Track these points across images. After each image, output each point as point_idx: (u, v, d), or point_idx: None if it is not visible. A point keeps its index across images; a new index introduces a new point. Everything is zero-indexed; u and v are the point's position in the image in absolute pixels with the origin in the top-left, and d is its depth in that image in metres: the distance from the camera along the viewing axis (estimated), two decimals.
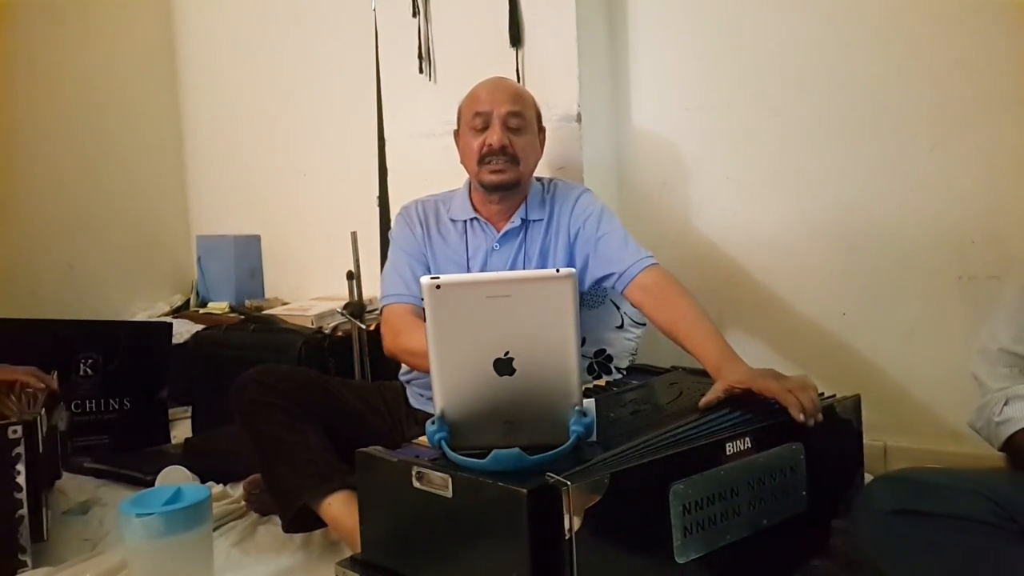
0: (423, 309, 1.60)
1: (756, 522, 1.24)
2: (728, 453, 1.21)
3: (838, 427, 1.38)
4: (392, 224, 1.83)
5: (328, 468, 1.50)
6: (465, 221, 1.75)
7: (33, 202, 3.03)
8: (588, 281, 1.73)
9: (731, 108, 2.08)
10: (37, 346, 2.17)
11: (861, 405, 1.44)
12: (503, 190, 1.69)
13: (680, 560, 1.14)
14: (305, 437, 1.53)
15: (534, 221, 1.74)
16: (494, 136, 1.64)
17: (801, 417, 1.25)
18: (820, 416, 1.27)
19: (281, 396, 1.55)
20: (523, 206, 1.74)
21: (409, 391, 1.78)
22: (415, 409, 1.75)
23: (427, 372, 1.65)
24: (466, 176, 1.78)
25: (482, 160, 1.66)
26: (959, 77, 1.78)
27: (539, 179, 1.81)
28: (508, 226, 1.73)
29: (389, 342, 1.65)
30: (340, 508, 1.47)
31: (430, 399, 1.16)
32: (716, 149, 2.12)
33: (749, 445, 1.23)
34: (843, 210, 1.95)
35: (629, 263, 1.64)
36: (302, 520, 1.54)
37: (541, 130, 1.77)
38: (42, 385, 1.77)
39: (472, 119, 1.67)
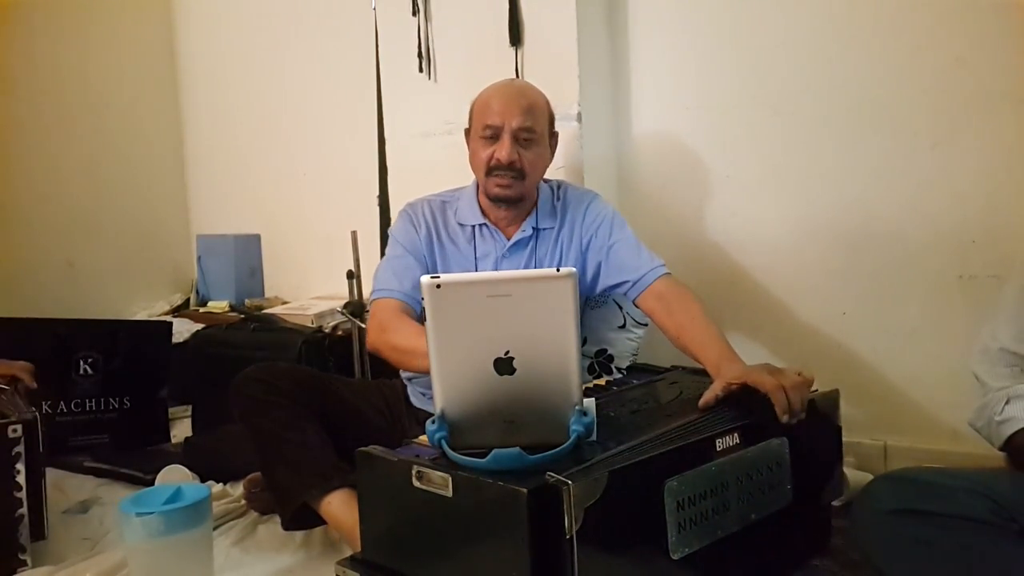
0: (412, 307, 1.63)
1: (745, 517, 1.25)
2: (718, 449, 1.23)
3: (819, 422, 1.40)
4: (395, 220, 1.81)
5: (328, 466, 1.50)
6: (474, 226, 1.74)
7: (33, 202, 3.03)
8: (600, 288, 1.73)
9: (731, 107, 2.08)
10: (37, 345, 2.17)
11: (839, 399, 1.46)
12: (507, 203, 1.69)
13: (675, 556, 1.14)
14: (305, 435, 1.53)
15: (544, 229, 1.73)
16: (503, 152, 1.62)
17: (785, 418, 1.27)
18: (803, 415, 1.29)
19: (281, 394, 1.55)
20: (533, 214, 1.73)
21: (410, 390, 1.77)
22: (416, 408, 1.75)
23: (410, 369, 1.67)
24: (473, 176, 1.77)
25: (489, 172, 1.65)
26: (959, 76, 1.78)
27: (548, 183, 1.79)
28: (519, 235, 1.72)
29: (374, 336, 1.63)
30: (340, 507, 1.47)
31: (431, 398, 1.16)
32: (716, 148, 2.11)
33: (738, 441, 1.26)
34: (843, 209, 1.95)
35: (643, 272, 1.64)
36: (302, 518, 1.54)
37: (553, 135, 1.75)
38: (33, 384, 1.76)
39: (483, 129, 1.65)
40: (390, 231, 1.79)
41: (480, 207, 1.74)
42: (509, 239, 1.72)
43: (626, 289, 1.67)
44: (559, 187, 1.80)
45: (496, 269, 1.71)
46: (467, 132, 1.75)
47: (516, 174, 1.64)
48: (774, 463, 1.31)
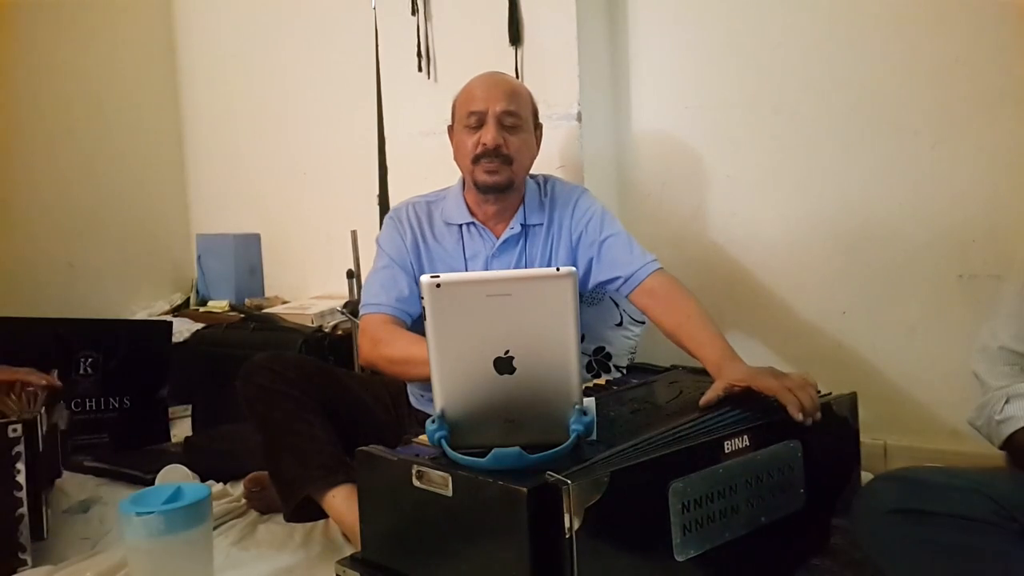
0: (402, 319, 1.63)
1: (755, 520, 1.24)
2: (727, 451, 1.21)
3: (835, 425, 1.38)
4: (382, 227, 1.79)
5: (333, 460, 1.50)
6: (461, 225, 1.72)
7: (33, 202, 3.03)
8: (592, 284, 1.71)
9: (731, 107, 2.08)
10: (37, 345, 2.17)
11: (858, 403, 1.44)
12: (497, 191, 1.66)
13: (680, 558, 1.14)
14: (312, 427, 1.52)
15: (534, 226, 1.72)
16: (488, 135, 1.61)
17: (800, 416, 1.25)
18: (819, 415, 1.28)
19: (290, 384, 1.54)
20: (521, 210, 1.71)
21: (410, 391, 1.77)
22: (416, 410, 1.75)
23: (408, 378, 1.66)
24: (459, 174, 1.76)
25: (476, 159, 1.63)
26: (959, 75, 1.78)
27: (534, 178, 1.77)
28: (508, 233, 1.70)
29: (368, 351, 1.62)
30: (344, 502, 1.46)
31: (431, 400, 1.16)
32: (716, 148, 2.11)
33: (747, 443, 1.24)
34: (843, 209, 1.95)
35: (635, 267, 1.63)
36: (305, 511, 1.54)
37: (537, 126, 1.73)
38: (43, 382, 1.76)
39: (467, 117, 1.64)
40: (377, 239, 1.77)
41: (467, 205, 1.72)
42: (498, 237, 1.71)
43: (618, 285, 1.66)
44: (546, 182, 1.78)
45: (486, 268, 1.70)
46: (450, 129, 1.73)
47: (503, 159, 1.62)
48: (786, 466, 1.29)
